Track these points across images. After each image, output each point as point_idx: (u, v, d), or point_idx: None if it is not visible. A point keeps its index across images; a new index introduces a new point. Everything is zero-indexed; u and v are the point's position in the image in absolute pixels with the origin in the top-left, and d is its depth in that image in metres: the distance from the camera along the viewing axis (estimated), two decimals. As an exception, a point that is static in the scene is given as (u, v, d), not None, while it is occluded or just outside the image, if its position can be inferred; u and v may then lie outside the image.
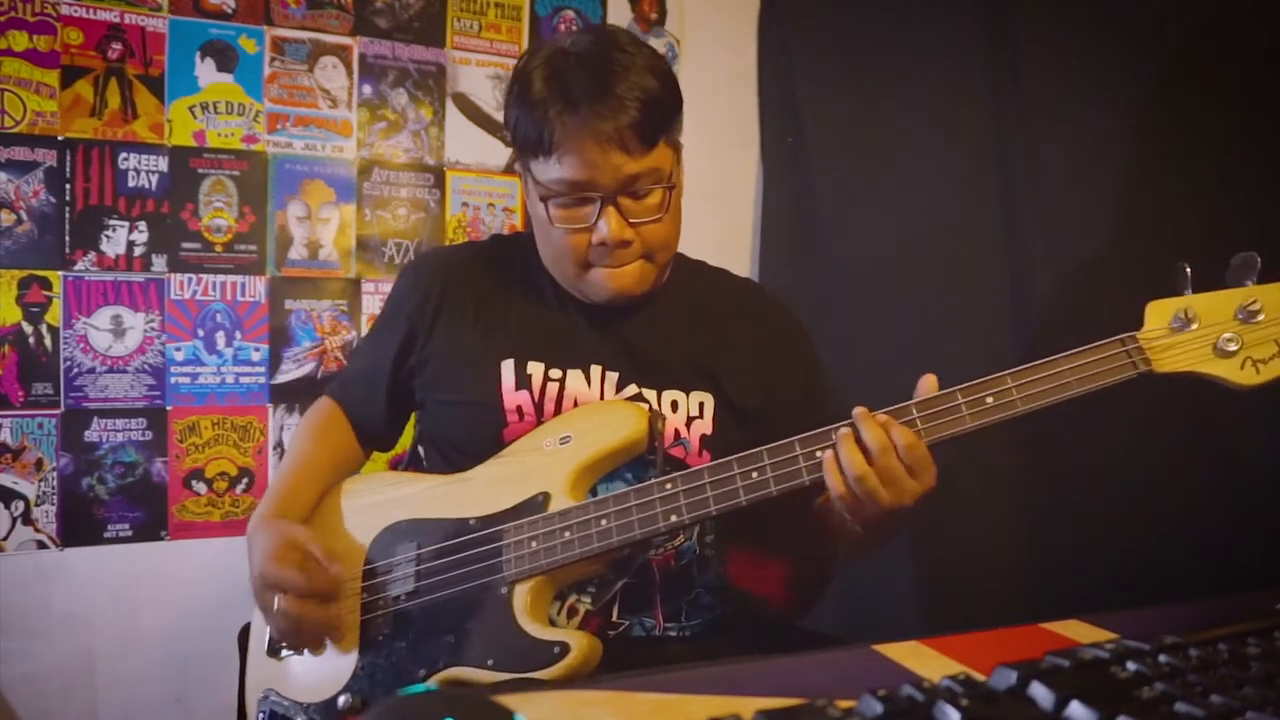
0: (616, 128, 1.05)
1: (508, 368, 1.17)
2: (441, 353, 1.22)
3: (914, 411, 0.96)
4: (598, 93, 1.05)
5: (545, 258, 1.20)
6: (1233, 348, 0.83)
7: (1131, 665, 0.60)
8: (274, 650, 1.13)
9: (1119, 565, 1.46)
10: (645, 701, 0.66)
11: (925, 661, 0.75)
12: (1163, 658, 0.61)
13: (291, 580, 1.04)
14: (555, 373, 1.17)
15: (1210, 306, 0.85)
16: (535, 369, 1.18)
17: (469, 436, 1.19)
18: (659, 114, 1.09)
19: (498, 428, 1.16)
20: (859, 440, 0.94)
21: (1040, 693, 0.56)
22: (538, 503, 1.07)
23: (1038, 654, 0.61)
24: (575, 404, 1.17)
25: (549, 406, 1.16)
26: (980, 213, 1.80)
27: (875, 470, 0.93)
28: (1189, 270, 0.86)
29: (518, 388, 1.17)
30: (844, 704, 0.53)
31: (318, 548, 1.07)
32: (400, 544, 1.12)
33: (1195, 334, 0.85)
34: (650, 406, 1.15)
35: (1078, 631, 0.83)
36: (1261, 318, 0.83)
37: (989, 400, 0.92)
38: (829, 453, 0.96)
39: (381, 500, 1.17)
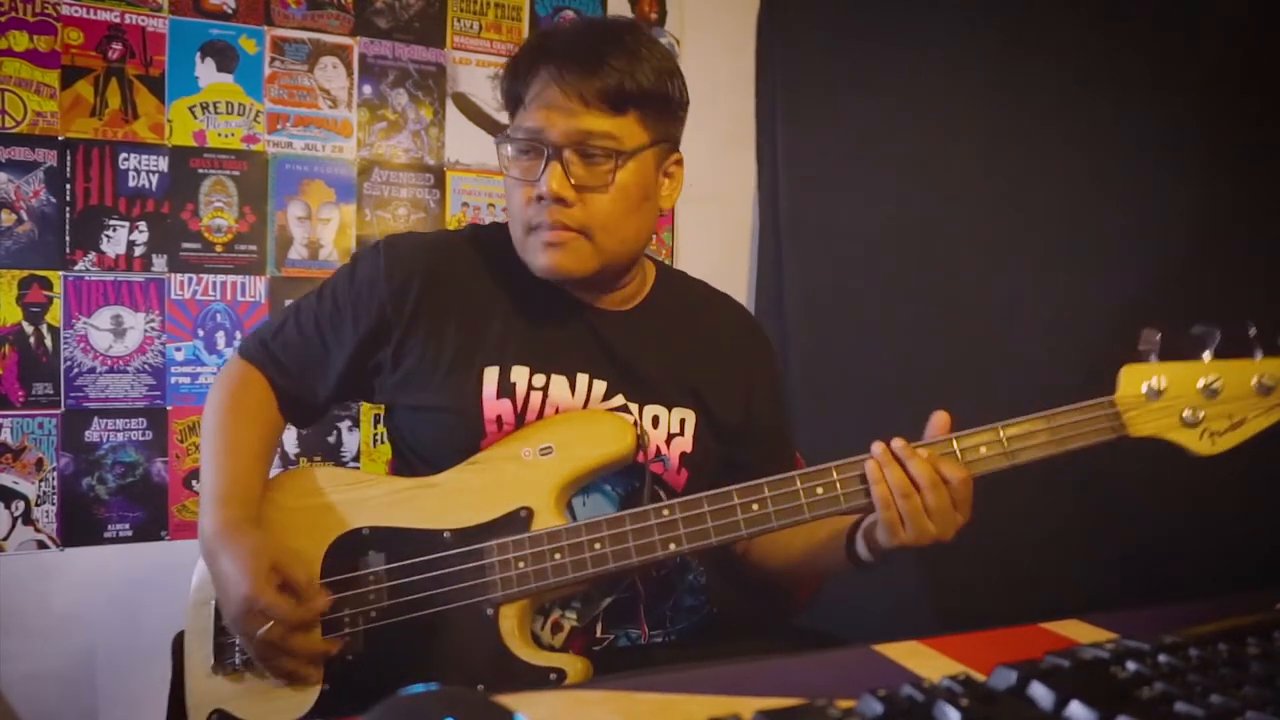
0: (583, 81, 1.03)
1: (491, 375, 1.10)
2: (418, 354, 1.12)
3: (954, 445, 0.98)
4: (579, 52, 1.05)
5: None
6: (1195, 420, 0.95)
7: (1131, 665, 0.60)
8: (226, 666, 1.03)
9: (1119, 565, 1.47)
10: (645, 701, 0.66)
11: (925, 661, 0.75)
12: (1162, 658, 0.61)
13: (283, 610, 0.96)
14: (539, 379, 1.11)
15: (1177, 378, 0.96)
16: (520, 375, 1.10)
17: (440, 446, 1.11)
18: (639, 93, 1.05)
19: (474, 439, 1.09)
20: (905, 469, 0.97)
21: (1040, 693, 0.56)
22: (521, 518, 1.02)
23: (1037, 654, 0.61)
24: (557, 413, 1.10)
25: (531, 417, 1.10)
26: (981, 214, 1.79)
27: (922, 498, 0.96)
28: (1159, 338, 0.96)
29: (499, 396, 1.09)
30: (844, 704, 0.53)
31: (304, 576, 0.99)
32: (364, 555, 1.03)
33: (1164, 404, 0.96)
34: (635, 420, 1.10)
35: (1078, 631, 0.83)
36: (1221, 395, 0.94)
37: (982, 450, 0.98)
38: (872, 466, 0.97)
39: (335, 502, 1.07)
